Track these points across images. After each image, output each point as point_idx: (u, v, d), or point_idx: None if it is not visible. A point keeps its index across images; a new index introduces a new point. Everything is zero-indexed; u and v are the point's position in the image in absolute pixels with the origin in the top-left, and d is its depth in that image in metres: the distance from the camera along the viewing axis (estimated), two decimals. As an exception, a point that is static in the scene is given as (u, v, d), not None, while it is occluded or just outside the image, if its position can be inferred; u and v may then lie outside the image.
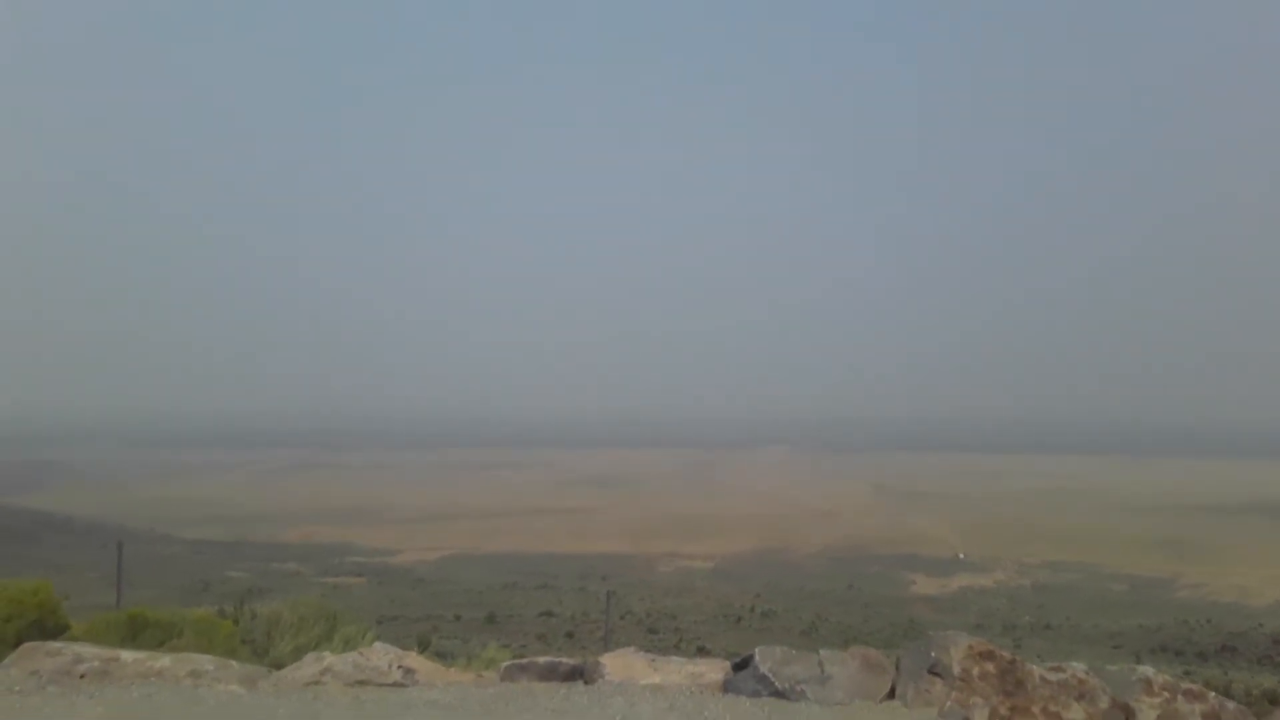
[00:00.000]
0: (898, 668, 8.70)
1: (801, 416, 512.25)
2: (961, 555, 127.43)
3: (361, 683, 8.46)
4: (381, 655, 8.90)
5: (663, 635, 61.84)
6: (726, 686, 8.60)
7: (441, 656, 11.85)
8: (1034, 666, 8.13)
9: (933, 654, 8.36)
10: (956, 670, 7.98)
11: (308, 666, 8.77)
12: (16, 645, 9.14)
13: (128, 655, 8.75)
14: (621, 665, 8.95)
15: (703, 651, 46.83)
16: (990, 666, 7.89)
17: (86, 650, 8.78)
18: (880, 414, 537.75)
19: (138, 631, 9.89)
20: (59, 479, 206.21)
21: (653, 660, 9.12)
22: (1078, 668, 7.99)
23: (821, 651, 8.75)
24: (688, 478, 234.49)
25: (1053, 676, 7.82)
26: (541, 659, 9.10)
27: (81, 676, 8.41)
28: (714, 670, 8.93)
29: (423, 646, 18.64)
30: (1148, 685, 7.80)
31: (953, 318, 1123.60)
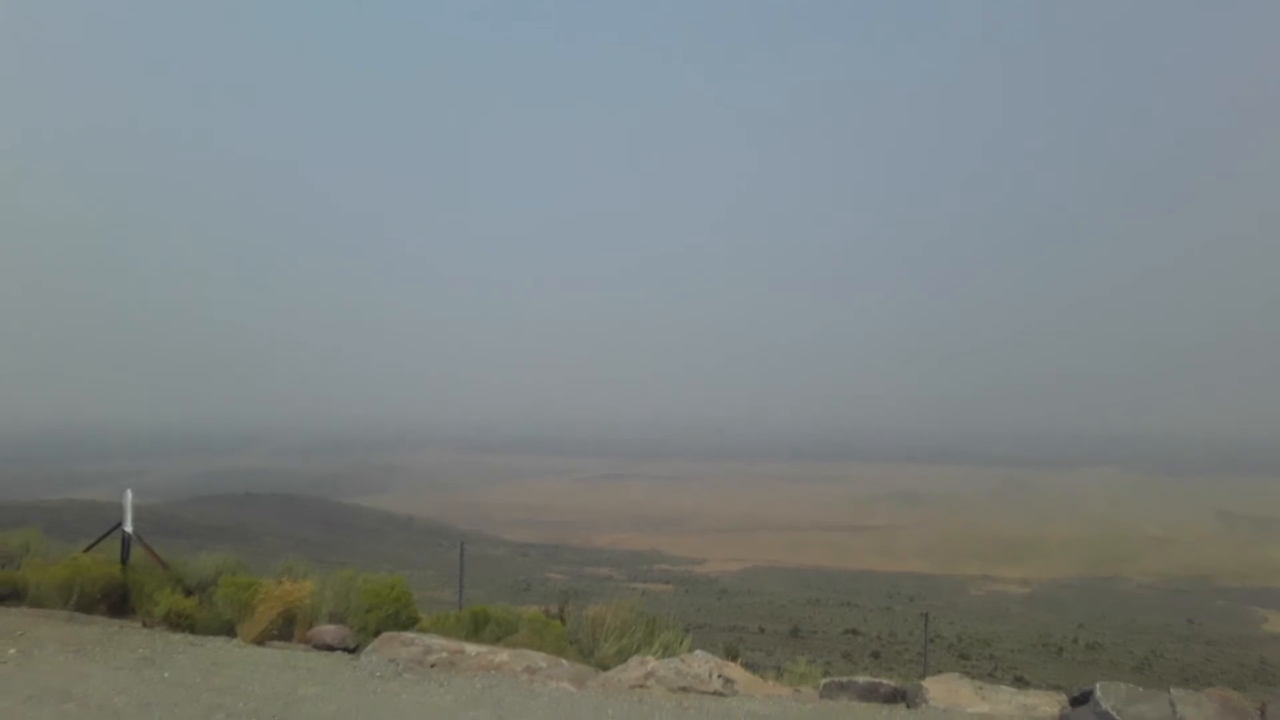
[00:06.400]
0: (1263, 714, 7.76)
1: (1129, 434, 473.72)
2: None
3: (684, 689, 8.63)
4: (702, 663, 9.03)
5: (975, 661, 59.15)
6: (1063, 721, 8.03)
7: (749, 668, 11.88)
8: None
9: (1308, 702, 7.41)
10: (1339, 723, 7.04)
11: (633, 669, 9.05)
12: (376, 634, 10.10)
13: (471, 648, 9.44)
14: (946, 691, 8.58)
15: (1020, 682, 44.28)
16: (1383, 721, 6.90)
17: (436, 642, 9.56)
18: (1223, 432, 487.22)
19: (479, 627, 10.64)
20: (403, 482, 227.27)
21: (980, 688, 8.68)
22: None
23: (1172, 690, 7.94)
24: (1001, 497, 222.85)
25: None
26: (861, 678, 8.89)
27: (432, 666, 9.15)
28: (1048, 703, 8.36)
29: (731, 656, 18.78)
30: None
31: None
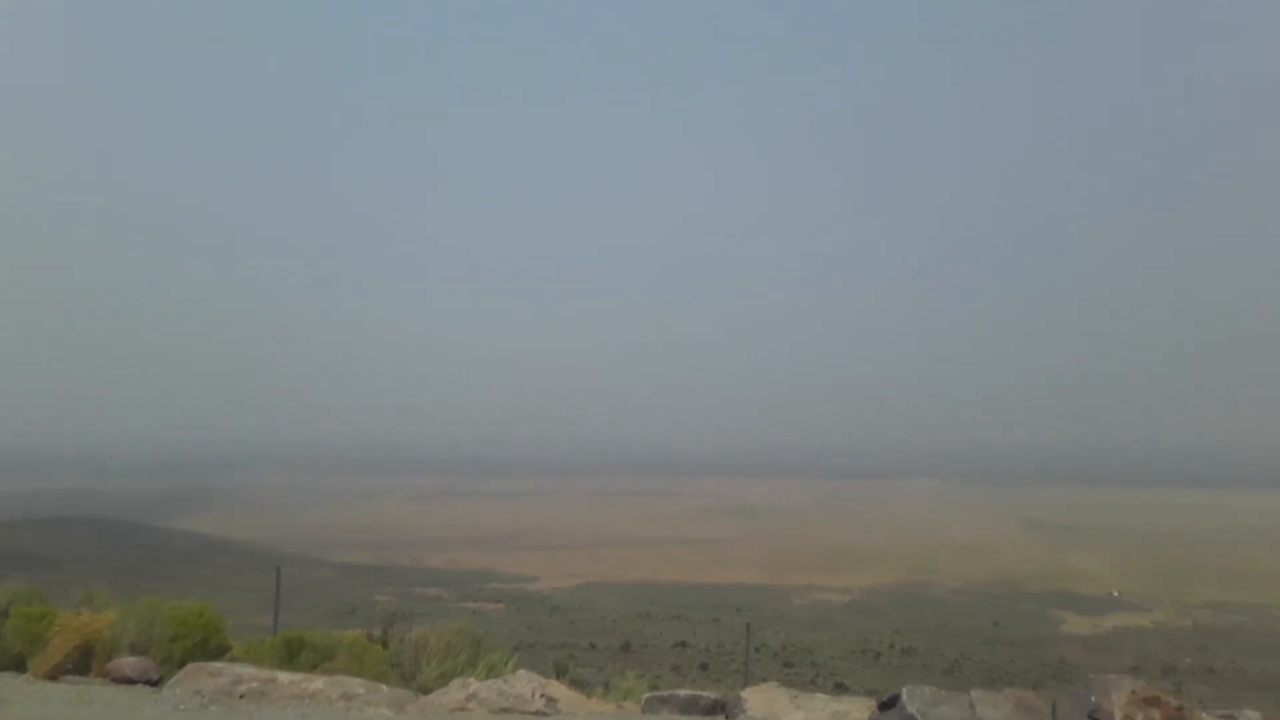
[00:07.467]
0: (1054, 712, 8.29)
1: (947, 446, 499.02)
2: (1116, 593, 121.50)
3: (506, 710, 8.56)
4: (525, 683, 8.99)
5: (799, 670, 60.89)
6: (872, 726, 8.36)
7: (578, 685, 11.91)
8: (1203, 714, 7.67)
9: (1093, 698, 7.95)
10: (1119, 717, 7.59)
11: (454, 692, 8.93)
12: (182, 665, 9.62)
13: (285, 677, 9.10)
14: (763, 701, 8.81)
15: (840, 688, 45.86)
16: (1156, 714, 7.49)
17: (246, 671, 9.18)
18: (1030, 444, 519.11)
19: (294, 654, 10.28)
20: (222, 504, 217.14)
21: (795, 696, 8.96)
22: (1251, 716, 7.53)
23: (973, 692, 8.40)
24: (828, 509, 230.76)
25: (1225, 727, 7.35)
26: (682, 692, 9.03)
27: (241, 696, 8.78)
28: (859, 709, 8.70)
29: (560, 674, 18.73)
30: (1333, 739, 7.25)
31: (1089, 343, 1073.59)
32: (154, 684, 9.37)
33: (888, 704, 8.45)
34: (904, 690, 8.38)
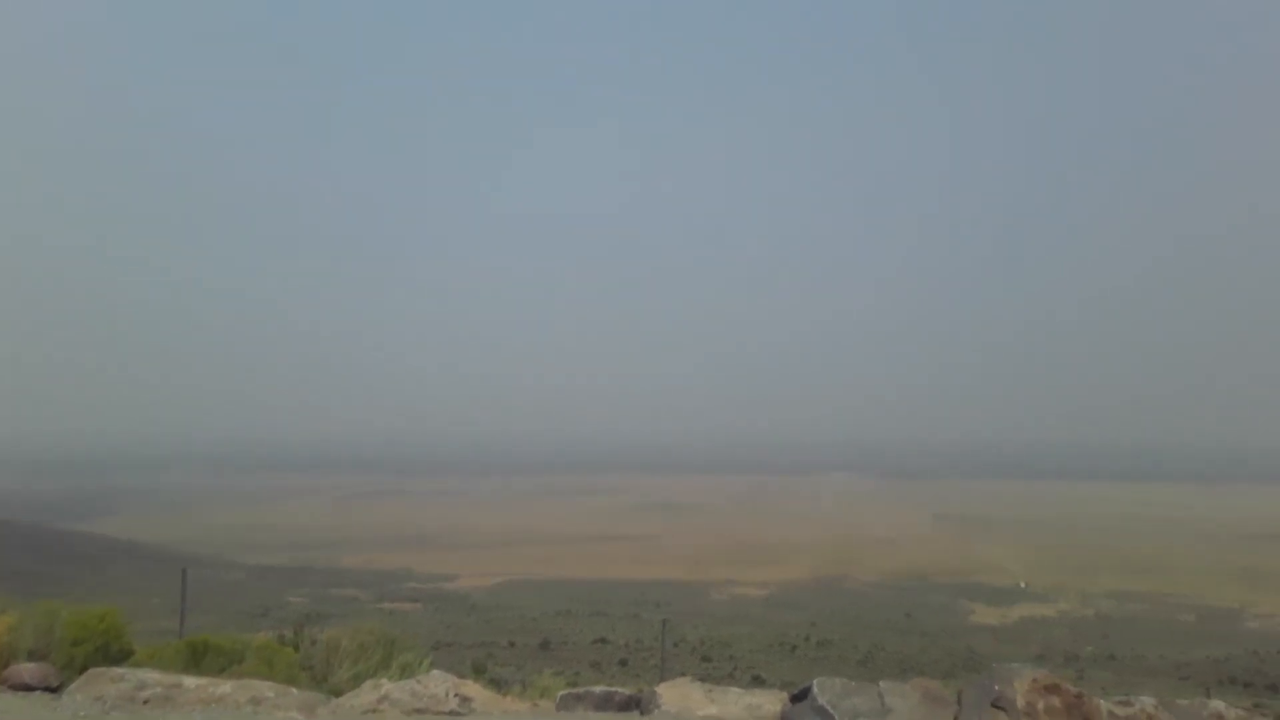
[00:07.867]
0: (959, 701, 8.46)
1: (862, 441, 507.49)
2: (1023, 584, 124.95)
3: (419, 711, 8.47)
4: (439, 683, 8.91)
5: (717, 664, 61.41)
6: (784, 718, 8.47)
7: (496, 684, 11.84)
8: (1101, 701, 7.90)
9: (996, 687, 8.14)
10: (1021, 704, 7.78)
11: (366, 694, 8.81)
12: (83, 671, 9.31)
13: (190, 682, 8.87)
14: (678, 695, 8.86)
15: (758, 681, 46.37)
16: (1056, 700, 7.69)
17: (150, 676, 8.92)
18: (940, 439, 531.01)
19: (200, 658, 10.02)
20: (130, 505, 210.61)
21: (709, 690, 9.02)
22: (1147, 702, 7.76)
23: (881, 683, 8.55)
24: (748, 504, 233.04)
25: (1121, 711, 7.60)
26: (597, 688, 9.05)
27: (145, 702, 8.54)
28: (772, 701, 8.79)
29: (478, 673, 18.62)
30: (1220, 721, 7.56)
31: (1006, 340, 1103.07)
32: (54, 690, 9.07)
33: (799, 696, 8.56)
34: (815, 682, 8.49)
